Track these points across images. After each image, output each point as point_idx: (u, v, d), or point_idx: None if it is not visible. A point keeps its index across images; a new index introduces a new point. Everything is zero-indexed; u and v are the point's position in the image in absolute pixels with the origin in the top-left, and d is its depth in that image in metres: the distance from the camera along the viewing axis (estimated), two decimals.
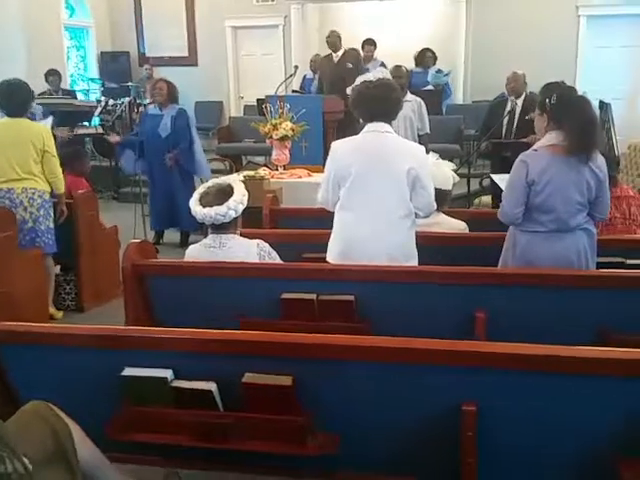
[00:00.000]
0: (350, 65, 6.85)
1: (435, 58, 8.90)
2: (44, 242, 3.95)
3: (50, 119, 5.38)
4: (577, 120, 2.64)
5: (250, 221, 3.23)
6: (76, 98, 8.95)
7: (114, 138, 6.36)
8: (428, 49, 8.94)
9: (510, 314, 2.36)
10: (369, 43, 8.22)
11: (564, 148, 2.64)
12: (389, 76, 2.99)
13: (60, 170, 4.02)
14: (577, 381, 1.65)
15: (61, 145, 5.82)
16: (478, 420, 1.66)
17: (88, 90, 10.50)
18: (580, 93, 2.92)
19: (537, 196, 2.67)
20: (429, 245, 2.87)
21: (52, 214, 4.03)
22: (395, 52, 9.02)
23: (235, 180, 2.80)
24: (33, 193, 3.89)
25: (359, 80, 2.85)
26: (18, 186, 3.86)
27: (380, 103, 2.77)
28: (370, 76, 2.83)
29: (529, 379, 1.67)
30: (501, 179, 3.41)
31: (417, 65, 8.79)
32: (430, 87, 8.42)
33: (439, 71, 8.88)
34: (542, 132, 2.75)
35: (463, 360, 1.69)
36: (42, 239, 3.94)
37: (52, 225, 4.02)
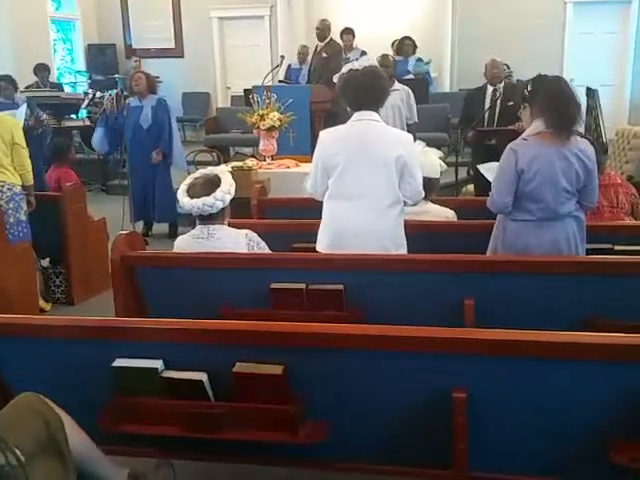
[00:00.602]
0: (325, 55, 6.82)
1: (415, 47, 8.86)
2: (12, 234, 3.93)
3: (24, 107, 5.31)
4: (548, 97, 2.67)
5: (238, 212, 3.23)
6: (63, 91, 8.87)
7: (108, 106, 6.25)
8: (407, 37, 8.90)
9: (499, 301, 2.38)
10: (347, 32, 8.18)
11: (550, 135, 2.66)
12: (375, 63, 2.98)
13: (29, 162, 4.00)
14: (565, 366, 1.67)
15: (48, 137, 5.78)
16: (469, 406, 1.68)
17: (75, 83, 10.41)
18: (568, 80, 2.93)
19: (526, 185, 2.68)
20: (417, 233, 2.88)
21: (24, 206, 4.00)
22: (378, 41, 8.99)
23: (222, 171, 2.80)
24: (2, 186, 3.87)
25: (345, 68, 2.84)
26: None
27: (367, 91, 2.77)
28: (356, 64, 2.82)
29: (518, 365, 1.69)
30: (487, 169, 3.42)
31: (397, 54, 8.76)
32: (411, 76, 8.40)
33: (419, 60, 8.85)
34: (529, 124, 2.77)
35: (452, 347, 1.70)
36: (10, 231, 3.92)
37: (24, 217, 3.99)
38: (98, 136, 5.87)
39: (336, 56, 6.94)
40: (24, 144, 3.96)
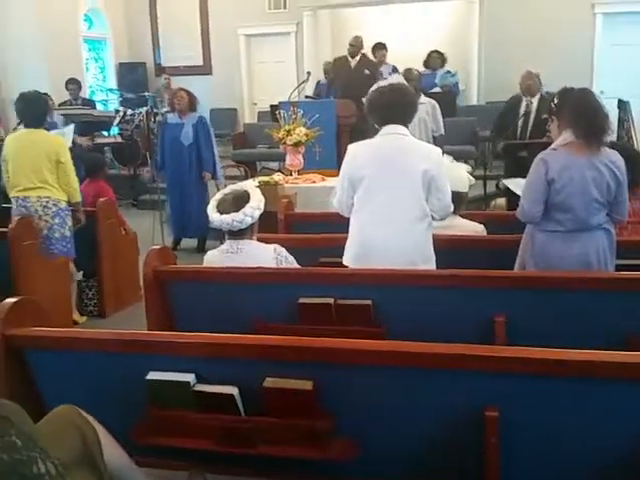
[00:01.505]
0: (367, 72, 6.88)
1: (443, 60, 8.89)
2: (58, 249, 4.02)
3: (72, 127, 5.48)
4: (576, 108, 2.68)
5: (265, 226, 3.26)
6: (95, 107, 9.09)
7: (147, 174, 6.55)
8: (435, 51, 8.93)
9: (530, 318, 2.34)
10: (380, 47, 8.24)
11: (580, 145, 2.65)
12: (403, 81, 3.01)
13: (75, 179, 4.09)
14: (601, 386, 1.64)
15: (82, 154, 5.94)
16: (501, 426, 1.66)
17: (107, 100, 10.64)
18: (597, 92, 2.93)
19: (556, 195, 2.66)
20: (446, 248, 2.87)
21: (68, 222, 4.09)
22: (406, 55, 9.03)
23: (251, 186, 2.83)
24: (47, 202, 3.97)
25: (374, 87, 2.88)
26: (33, 195, 3.94)
27: (394, 107, 2.79)
28: (384, 83, 2.85)
29: (552, 384, 1.67)
30: (515, 183, 3.41)
31: (426, 67, 8.79)
32: (437, 89, 8.40)
33: (447, 72, 8.86)
34: (557, 137, 2.76)
35: (484, 365, 1.68)
36: (56, 246, 4.01)
37: (68, 233, 4.08)
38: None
39: (376, 72, 7.01)
40: (70, 163, 4.05)
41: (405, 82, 3.03)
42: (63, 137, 4.55)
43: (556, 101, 2.78)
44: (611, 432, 1.67)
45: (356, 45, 6.99)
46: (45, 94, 6.19)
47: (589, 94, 2.77)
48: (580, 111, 2.66)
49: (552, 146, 2.76)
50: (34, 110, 4.03)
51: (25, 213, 3.92)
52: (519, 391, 1.69)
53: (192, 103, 5.95)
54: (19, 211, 3.95)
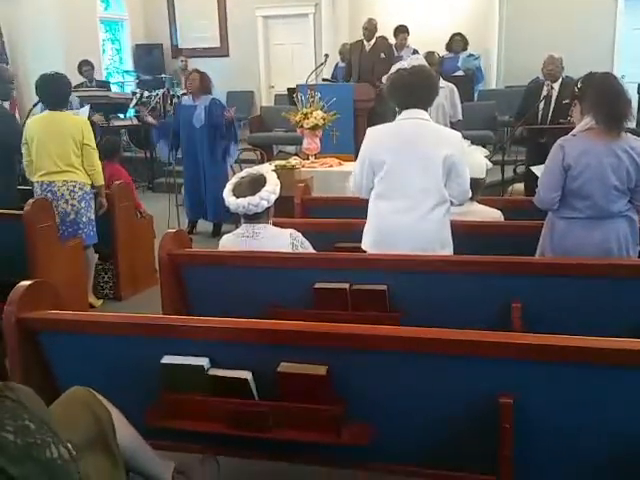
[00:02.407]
0: (383, 55, 6.80)
1: (466, 42, 8.73)
2: (86, 234, 4.04)
3: (87, 108, 5.46)
4: (598, 92, 2.63)
5: (281, 210, 3.25)
6: (110, 89, 9.08)
7: (149, 119, 6.46)
8: (458, 34, 8.77)
9: (548, 304, 2.32)
10: (402, 31, 8.12)
11: (600, 131, 2.60)
12: (424, 63, 2.95)
13: (99, 163, 4.07)
14: (617, 373, 1.61)
15: (99, 135, 5.95)
16: (515, 412, 1.64)
17: (123, 82, 10.64)
18: (619, 76, 2.88)
19: (574, 181, 2.63)
20: (463, 234, 2.84)
21: (93, 205, 4.10)
22: (427, 39, 8.90)
23: (268, 170, 2.81)
24: (74, 186, 3.96)
25: (394, 68, 2.83)
26: (59, 179, 3.93)
27: (415, 90, 2.74)
28: (405, 64, 2.80)
29: (567, 371, 1.65)
30: (540, 170, 3.36)
31: (448, 50, 8.66)
32: (460, 72, 8.28)
33: (470, 55, 8.72)
34: (579, 121, 2.71)
35: (499, 351, 1.67)
36: (84, 231, 4.03)
37: (93, 216, 4.10)
38: (162, 150, 6.02)
39: (392, 55, 6.92)
40: (94, 144, 4.03)
41: (426, 64, 2.96)
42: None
43: (579, 85, 2.72)
44: (628, 421, 1.65)
45: (369, 28, 6.89)
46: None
47: (612, 78, 2.71)
48: (601, 95, 2.62)
49: (572, 132, 2.72)
50: (57, 91, 3.99)
51: (52, 198, 3.91)
52: (534, 378, 1.67)
53: (205, 85, 5.81)
54: (44, 196, 3.93)
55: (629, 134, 2.66)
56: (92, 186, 4.09)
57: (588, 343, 1.63)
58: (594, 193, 2.61)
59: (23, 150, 4.06)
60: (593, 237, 2.64)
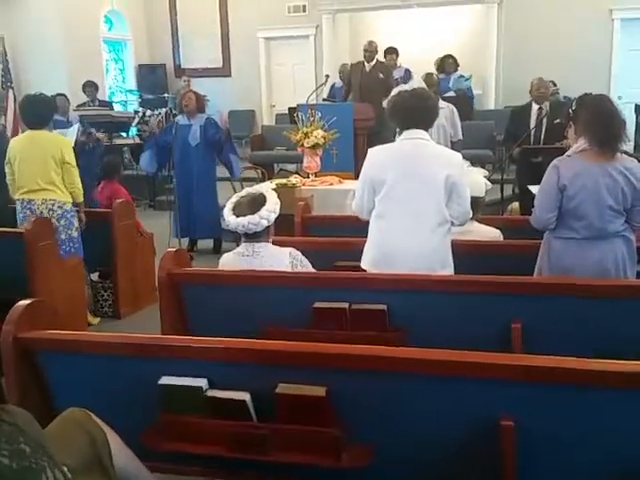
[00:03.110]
0: (382, 76, 6.89)
1: (457, 64, 8.84)
2: (64, 250, 4.04)
3: (76, 127, 5.49)
4: (591, 114, 2.65)
5: (281, 228, 3.25)
6: (112, 109, 9.15)
7: (155, 129, 6.49)
8: (449, 55, 8.89)
9: (548, 325, 2.31)
10: (391, 52, 8.25)
11: (594, 152, 2.61)
12: (424, 86, 3.00)
13: (79, 180, 4.10)
14: (620, 396, 1.60)
15: (102, 154, 5.98)
16: (516, 435, 1.62)
17: (126, 101, 10.72)
18: (615, 97, 2.91)
19: (569, 202, 2.64)
20: (463, 253, 2.84)
21: (75, 223, 4.11)
22: (424, 59, 9.00)
23: (268, 189, 2.82)
24: (53, 204, 4.00)
25: (395, 91, 2.87)
26: (38, 197, 3.98)
27: (416, 111, 2.77)
28: (406, 87, 2.84)
29: (568, 392, 1.63)
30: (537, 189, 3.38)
31: (438, 71, 8.74)
32: (451, 93, 8.35)
33: (461, 76, 8.81)
34: (574, 142, 2.73)
35: (499, 373, 1.65)
36: (62, 247, 4.04)
37: (75, 234, 4.10)
38: (146, 157, 6.07)
39: (390, 76, 7.03)
40: (74, 162, 4.07)
41: (426, 87, 3.01)
42: (66, 136, 4.57)
43: (574, 107, 2.75)
44: (630, 443, 1.63)
45: (370, 50, 7.03)
46: (61, 94, 6.25)
47: (605, 100, 2.73)
48: (595, 118, 2.64)
49: (567, 153, 2.74)
50: (37, 112, 4.06)
51: (30, 215, 3.95)
52: (535, 400, 1.65)
53: (200, 104, 5.98)
54: (24, 213, 3.99)
55: (624, 155, 2.68)
56: (74, 204, 4.10)
57: (588, 365, 1.62)
58: (590, 213, 2.62)
59: (7, 169, 4.12)
60: (590, 257, 2.64)
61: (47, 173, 3.96)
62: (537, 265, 2.83)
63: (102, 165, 5.35)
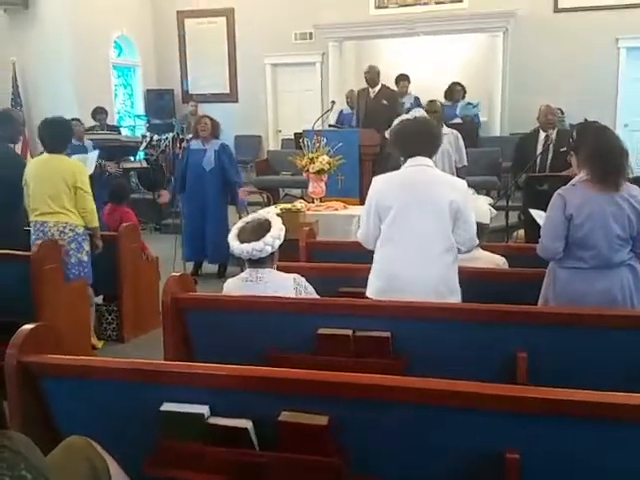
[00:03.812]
0: (385, 102, 6.92)
1: (464, 92, 8.91)
2: (73, 274, 4.05)
3: (96, 153, 5.57)
4: (591, 147, 2.67)
5: (286, 253, 3.26)
6: (120, 133, 9.26)
7: (163, 199, 6.63)
8: (457, 83, 8.97)
9: (553, 354, 2.29)
10: (403, 79, 8.32)
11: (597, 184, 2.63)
12: (426, 115, 3.05)
13: (92, 205, 4.12)
14: (627, 428, 1.57)
15: (109, 179, 6.05)
16: (522, 469, 1.60)
17: (134, 126, 10.84)
18: (621, 125, 2.93)
19: (577, 231, 2.63)
20: (467, 280, 2.83)
21: (86, 247, 4.12)
22: (429, 86, 9.08)
23: (272, 215, 2.84)
24: (64, 227, 4.02)
25: (397, 120, 2.91)
26: (51, 220, 4.00)
27: (419, 139, 2.80)
28: (408, 116, 2.88)
29: (574, 425, 1.61)
30: (539, 215, 3.38)
31: (446, 99, 8.81)
32: (458, 120, 8.41)
33: (468, 103, 8.88)
34: (578, 171, 2.75)
35: (503, 405, 1.63)
36: (72, 271, 4.04)
37: (85, 257, 4.11)
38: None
39: (395, 103, 7.04)
40: (87, 188, 4.08)
41: (427, 116, 3.05)
42: (85, 162, 4.61)
43: (574, 136, 2.77)
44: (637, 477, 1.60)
45: (370, 73, 7.02)
46: (76, 119, 6.34)
47: (604, 134, 2.75)
48: (594, 153, 2.65)
49: (571, 182, 2.74)
50: (55, 135, 4.10)
51: (43, 237, 3.98)
52: (541, 433, 1.63)
53: (215, 130, 6.04)
54: (37, 235, 4.02)
55: (627, 183, 2.68)
56: (86, 227, 4.13)
57: (595, 397, 1.60)
58: (598, 242, 2.61)
59: (24, 191, 4.15)
60: (598, 286, 2.62)
61: (59, 197, 3.98)
62: (541, 295, 2.82)
63: (111, 188, 5.40)
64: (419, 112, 2.93)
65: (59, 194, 3.98)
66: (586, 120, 2.93)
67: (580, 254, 2.65)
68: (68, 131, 4.25)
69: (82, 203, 4.05)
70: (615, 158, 2.63)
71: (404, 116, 2.92)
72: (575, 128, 2.85)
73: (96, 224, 4.17)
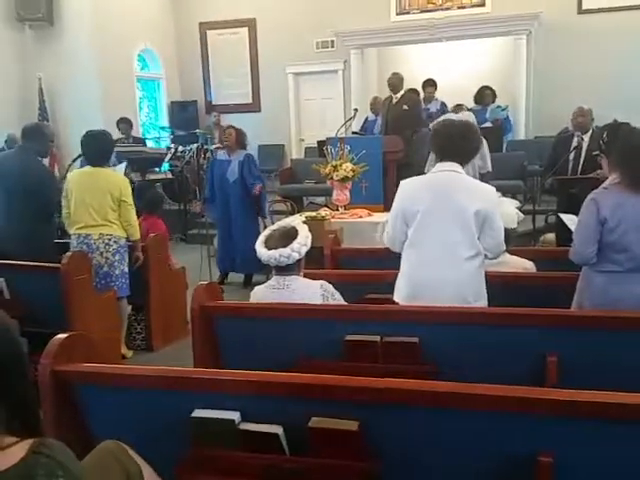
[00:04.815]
0: (405, 107, 6.92)
1: (495, 95, 8.83)
2: (118, 286, 4.11)
3: (124, 165, 5.66)
4: (622, 149, 2.64)
5: (311, 261, 3.27)
6: (145, 145, 9.39)
7: (196, 208, 6.68)
8: (487, 87, 8.89)
9: (585, 359, 2.26)
10: (429, 84, 8.30)
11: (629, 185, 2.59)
12: (474, 121, 3.00)
13: (135, 218, 4.18)
14: None
15: (139, 189, 6.14)
16: (555, 472, 1.58)
17: (159, 138, 10.99)
18: None
19: (610, 234, 2.59)
20: (495, 285, 2.81)
21: (127, 258, 4.18)
22: (455, 91, 9.04)
23: (299, 223, 2.85)
24: (109, 239, 4.06)
25: (442, 118, 2.88)
26: (95, 232, 4.05)
27: (457, 142, 2.77)
28: (454, 116, 2.85)
29: (609, 429, 1.59)
30: (570, 219, 3.34)
31: (476, 103, 8.76)
32: (488, 124, 8.34)
33: (498, 106, 8.80)
34: (609, 173, 2.71)
35: (537, 408, 1.62)
36: (116, 283, 4.10)
37: (127, 269, 4.17)
38: (210, 211, 6.25)
39: (416, 108, 7.04)
40: (131, 201, 4.15)
41: (476, 122, 3.00)
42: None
43: (605, 139, 2.73)
44: None
45: (394, 82, 7.05)
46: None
47: (635, 136, 2.70)
48: (626, 156, 2.62)
49: (603, 185, 2.71)
50: (99, 148, 4.15)
51: (87, 250, 4.02)
52: (574, 436, 1.61)
53: (240, 140, 6.04)
54: (80, 247, 4.05)
55: None
56: (128, 239, 4.18)
57: (627, 399, 1.58)
58: (633, 244, 2.57)
59: (63, 203, 4.20)
60: (633, 290, 2.58)
61: (104, 209, 4.04)
62: (575, 300, 2.78)
63: (145, 199, 5.46)
64: (468, 116, 2.88)
65: (104, 207, 4.04)
66: (615, 121, 2.89)
67: (615, 257, 2.61)
68: (110, 145, 4.32)
69: (126, 216, 4.10)
70: None
71: (450, 115, 2.87)
72: (605, 130, 2.80)
73: (138, 236, 4.23)
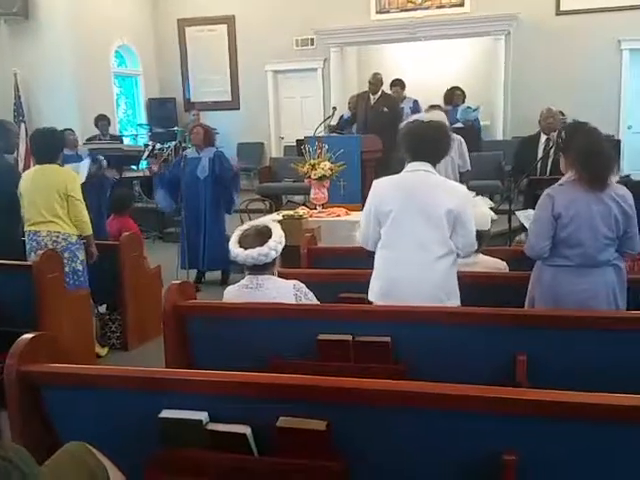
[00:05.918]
0: (385, 109, 6.96)
1: (464, 96, 8.90)
2: (67, 283, 4.06)
3: (87, 161, 5.57)
4: (579, 147, 2.68)
5: (288, 260, 3.26)
6: (122, 142, 9.29)
7: (154, 167, 6.67)
8: (457, 87, 8.97)
9: (554, 357, 2.29)
10: (396, 84, 8.35)
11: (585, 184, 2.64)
12: (445, 120, 3.01)
13: (85, 213, 4.14)
14: (625, 430, 1.57)
15: (111, 188, 6.07)
16: (519, 470, 1.60)
17: (137, 135, 10.89)
18: (624, 127, 2.93)
19: (563, 230, 2.65)
20: (468, 285, 2.83)
21: (79, 256, 4.13)
22: (433, 90, 9.08)
23: (270, 221, 2.85)
24: (57, 236, 4.04)
25: (412, 118, 2.89)
26: (44, 229, 4.04)
27: (427, 143, 2.78)
28: (425, 116, 2.86)
29: (573, 427, 1.60)
30: (525, 215, 3.39)
31: (446, 104, 8.81)
32: (459, 124, 8.40)
33: (468, 107, 8.88)
34: (566, 171, 2.77)
35: (501, 407, 1.63)
36: (65, 280, 4.06)
37: (80, 267, 4.13)
38: (160, 196, 6.20)
39: (395, 109, 7.09)
40: (79, 196, 4.11)
41: (447, 122, 3.01)
42: (77, 171, 4.64)
43: (563, 136, 2.79)
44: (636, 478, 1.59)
45: (374, 83, 7.11)
46: (69, 129, 6.37)
47: (592, 136, 2.76)
48: (582, 156, 2.67)
49: (559, 182, 2.76)
50: (46, 146, 4.13)
51: (37, 247, 4.01)
52: (539, 435, 1.63)
53: (208, 138, 6.06)
54: (31, 245, 4.06)
55: (614, 183, 2.69)
56: (80, 236, 4.13)
57: (594, 399, 1.60)
58: (584, 241, 2.64)
59: (21, 201, 4.18)
60: (581, 285, 2.65)
61: (51, 206, 4.02)
62: (528, 294, 2.83)
63: (113, 198, 5.42)
64: (438, 116, 2.88)
65: (51, 203, 4.02)
66: (575, 120, 2.93)
67: (566, 252, 2.67)
68: (58, 141, 4.27)
69: (74, 211, 4.08)
70: (602, 161, 2.65)
71: (421, 115, 2.87)
72: (564, 129, 2.85)
73: (89, 232, 4.18)
